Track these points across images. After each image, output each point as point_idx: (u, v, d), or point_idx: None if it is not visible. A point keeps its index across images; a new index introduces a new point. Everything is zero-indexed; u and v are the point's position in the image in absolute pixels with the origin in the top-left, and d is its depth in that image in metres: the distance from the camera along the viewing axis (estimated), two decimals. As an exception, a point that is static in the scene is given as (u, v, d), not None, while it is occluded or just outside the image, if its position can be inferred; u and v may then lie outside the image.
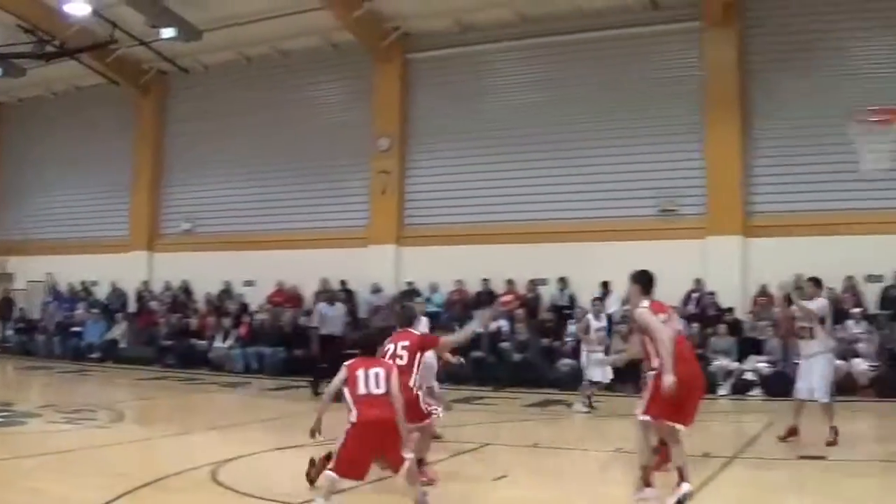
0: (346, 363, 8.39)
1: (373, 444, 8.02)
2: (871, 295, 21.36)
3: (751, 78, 23.42)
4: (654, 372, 8.90)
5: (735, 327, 21.27)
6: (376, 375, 8.20)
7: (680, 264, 21.70)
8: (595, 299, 18.84)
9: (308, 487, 9.14)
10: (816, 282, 13.23)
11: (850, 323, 19.44)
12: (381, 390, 8.14)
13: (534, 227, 24.52)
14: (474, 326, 11.80)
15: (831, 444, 12.20)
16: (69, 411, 15.78)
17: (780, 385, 18.51)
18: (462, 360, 12.96)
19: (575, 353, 19.68)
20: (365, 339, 9.03)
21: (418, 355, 9.84)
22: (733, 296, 22.38)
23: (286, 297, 27.02)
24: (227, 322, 26.39)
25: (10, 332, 31.34)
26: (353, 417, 8.04)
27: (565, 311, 23.33)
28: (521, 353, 22.20)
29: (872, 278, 21.42)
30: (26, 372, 25.19)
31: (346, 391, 8.22)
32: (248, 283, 28.52)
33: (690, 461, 8.89)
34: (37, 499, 8.90)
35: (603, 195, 24.32)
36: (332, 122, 28.53)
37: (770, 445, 12.77)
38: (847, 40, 22.81)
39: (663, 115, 24.00)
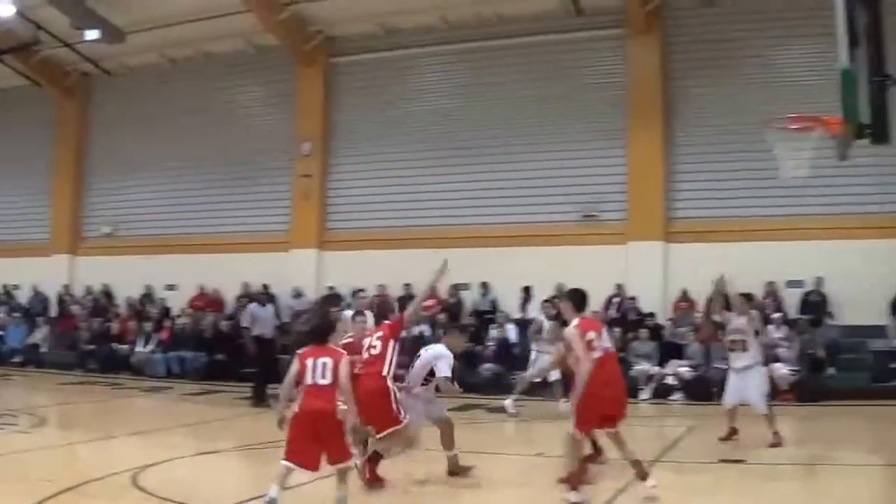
0: (298, 352, 8.40)
1: (313, 435, 7.97)
2: (792, 300, 21.33)
3: (673, 85, 23.37)
4: (583, 387, 8.94)
5: (656, 332, 21.09)
6: (324, 365, 8.13)
7: (602, 269, 21.76)
8: (545, 301, 18.51)
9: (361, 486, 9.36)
10: (747, 297, 13.59)
11: (770, 328, 19.10)
12: (327, 381, 8.08)
13: (456, 231, 23.86)
14: (433, 280, 11.49)
15: (774, 445, 12.35)
16: (-9, 416, 15.47)
17: (701, 389, 19.00)
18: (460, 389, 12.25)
19: (497, 358, 20.12)
20: (317, 328, 8.71)
21: (391, 343, 9.85)
22: (654, 301, 22.21)
23: (207, 302, 26.47)
24: (148, 326, 25.67)
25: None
26: (296, 407, 8.09)
27: (487, 315, 23.00)
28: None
29: (793, 284, 21.38)
30: (-54, 377, 24.44)
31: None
32: (170, 288, 27.76)
33: (612, 465, 9.48)
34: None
35: (526, 200, 23.96)
36: (256, 125, 27.83)
37: (691, 449, 13.00)
38: (768, 48, 22.76)
39: (587, 122, 23.87)
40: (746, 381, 12.92)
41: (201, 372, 23.66)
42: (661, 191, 22.78)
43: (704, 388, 18.82)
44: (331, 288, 24.49)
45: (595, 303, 18.90)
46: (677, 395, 19.40)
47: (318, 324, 8.85)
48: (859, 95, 9.51)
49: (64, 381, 23.20)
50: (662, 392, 19.49)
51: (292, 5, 25.21)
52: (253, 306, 19.86)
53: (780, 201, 21.24)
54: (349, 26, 26.24)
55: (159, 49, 28.06)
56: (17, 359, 26.70)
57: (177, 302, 27.08)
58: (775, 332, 19.13)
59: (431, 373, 10.15)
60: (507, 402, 16.71)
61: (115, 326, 26.57)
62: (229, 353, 22.66)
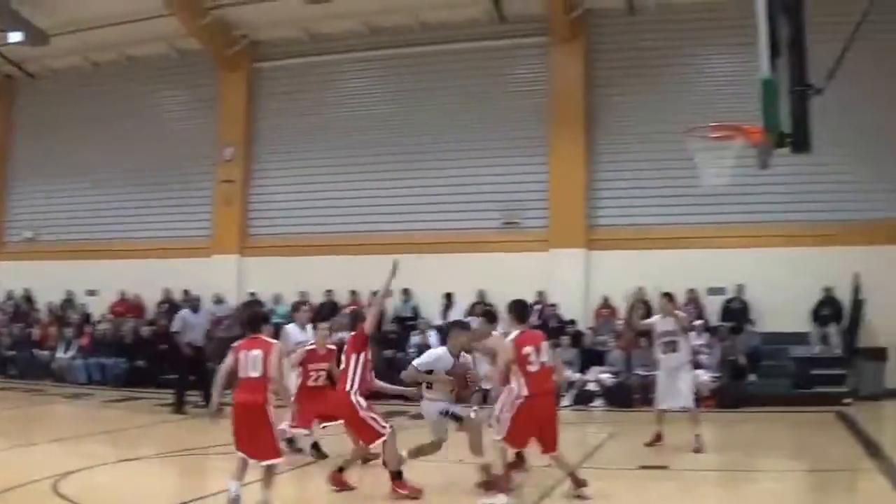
0: (233, 345, 8.37)
1: (243, 426, 7.98)
2: (713, 307, 21.19)
3: (596, 93, 23.08)
4: (518, 401, 9.06)
5: (577, 339, 20.75)
6: (254, 358, 8.10)
7: (523, 276, 21.31)
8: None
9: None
10: (670, 297, 13.36)
11: (692, 335, 18.58)
12: (257, 373, 8.04)
13: (378, 238, 23.22)
14: (386, 282, 10.64)
15: (697, 451, 12.27)
16: None
17: (622, 396, 18.94)
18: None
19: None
20: (250, 318, 8.72)
21: (353, 357, 9.58)
22: (576, 308, 21.86)
23: (128, 307, 25.57)
24: (69, 332, 24.79)
25: None
26: (232, 398, 8.12)
27: (409, 322, 22.44)
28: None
29: (714, 291, 21.25)
30: None
31: None
32: (91, 293, 26.76)
33: (533, 473, 9.81)
34: None
35: (448, 206, 23.53)
36: (178, 129, 26.89)
37: (612, 455, 12.93)
38: (691, 57, 22.71)
39: (510, 129, 23.39)
40: (676, 381, 12.84)
41: (122, 378, 22.86)
42: (583, 198, 22.42)
43: (625, 395, 18.74)
44: (252, 294, 23.62)
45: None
46: (598, 402, 19.15)
47: (251, 314, 8.91)
48: (780, 105, 9.31)
49: (-17, 387, 22.41)
50: (584, 398, 19.19)
51: (216, 10, 24.49)
52: (185, 312, 18.97)
53: (702, 209, 20.95)
54: (273, 31, 25.54)
55: (83, 52, 27.09)
56: (-63, 365, 25.56)
57: (98, 308, 26.11)
58: (696, 339, 18.65)
59: (431, 373, 9.83)
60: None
61: (35, 332, 25.75)
62: (150, 360, 22.00)
